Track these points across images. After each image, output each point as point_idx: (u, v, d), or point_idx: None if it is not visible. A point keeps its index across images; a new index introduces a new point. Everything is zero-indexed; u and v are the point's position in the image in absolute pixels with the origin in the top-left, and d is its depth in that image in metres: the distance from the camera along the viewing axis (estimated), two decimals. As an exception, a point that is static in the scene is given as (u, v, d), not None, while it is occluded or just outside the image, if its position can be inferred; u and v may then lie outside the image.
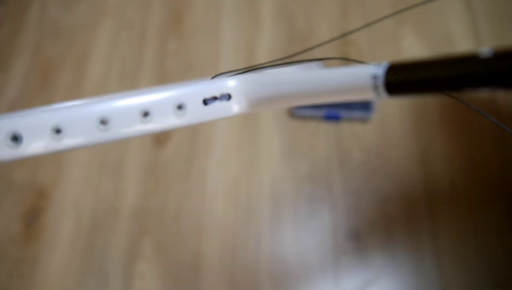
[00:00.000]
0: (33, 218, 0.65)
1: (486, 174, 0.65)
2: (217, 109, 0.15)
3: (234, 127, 0.69)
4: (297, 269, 0.60)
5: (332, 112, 0.68)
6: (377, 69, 0.12)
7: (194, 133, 0.69)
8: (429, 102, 0.70)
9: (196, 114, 0.15)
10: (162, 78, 0.73)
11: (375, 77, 0.12)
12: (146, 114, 0.14)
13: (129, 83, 0.73)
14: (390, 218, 0.62)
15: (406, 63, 0.11)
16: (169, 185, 0.66)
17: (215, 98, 0.15)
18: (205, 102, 0.15)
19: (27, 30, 0.82)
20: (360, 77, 0.12)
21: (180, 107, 0.14)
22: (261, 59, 0.74)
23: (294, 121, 0.69)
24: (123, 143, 0.69)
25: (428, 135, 0.68)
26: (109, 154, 0.68)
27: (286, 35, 0.76)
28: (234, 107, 0.15)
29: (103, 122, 0.14)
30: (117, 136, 0.15)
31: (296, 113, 0.68)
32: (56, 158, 0.68)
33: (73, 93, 0.74)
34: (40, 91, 0.76)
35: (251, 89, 0.15)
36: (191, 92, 0.15)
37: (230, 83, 0.15)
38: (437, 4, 0.75)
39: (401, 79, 0.11)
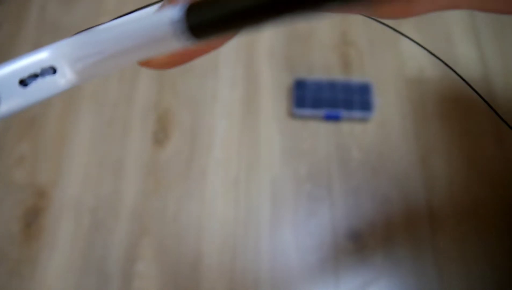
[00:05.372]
0: (33, 218, 0.65)
1: (486, 173, 0.65)
2: (41, 88, 0.12)
3: (234, 127, 0.69)
4: (297, 269, 0.60)
5: (332, 112, 0.68)
6: (175, 13, 0.10)
7: (194, 133, 0.69)
8: (429, 101, 0.70)
9: (15, 99, 0.12)
10: (162, 78, 0.73)
11: (174, 23, 0.10)
12: None
13: (129, 83, 0.73)
14: (390, 218, 0.62)
15: (202, 1, 0.09)
16: (169, 185, 0.66)
17: (35, 76, 0.12)
18: (24, 82, 0.12)
19: (26, 30, 0.82)
20: (159, 26, 0.10)
21: None
22: (261, 59, 0.74)
23: (294, 121, 0.69)
24: (123, 143, 0.69)
25: (428, 135, 0.68)
26: (108, 154, 0.68)
27: (286, 35, 0.76)
28: (61, 81, 0.13)
29: None
30: None
31: (296, 113, 0.68)
32: (56, 158, 0.68)
33: (73, 93, 0.74)
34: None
35: (72, 56, 0.12)
36: (3, 75, 0.12)
37: (47, 54, 0.12)
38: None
39: (205, 18, 0.09)
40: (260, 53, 0.75)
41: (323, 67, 0.73)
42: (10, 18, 0.84)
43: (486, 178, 0.65)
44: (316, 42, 0.76)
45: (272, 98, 0.71)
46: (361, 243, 0.61)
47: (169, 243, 0.62)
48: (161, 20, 0.10)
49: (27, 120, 0.73)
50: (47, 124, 0.71)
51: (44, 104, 0.75)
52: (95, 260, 0.62)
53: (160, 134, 0.69)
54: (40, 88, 0.12)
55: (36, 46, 0.75)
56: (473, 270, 0.59)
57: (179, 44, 0.10)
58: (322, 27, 0.77)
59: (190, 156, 0.67)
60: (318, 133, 0.68)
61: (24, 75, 0.12)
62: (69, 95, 0.74)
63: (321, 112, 0.68)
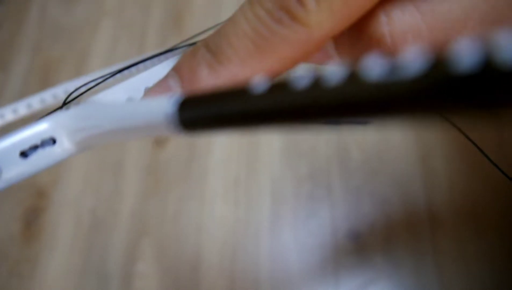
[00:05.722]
0: (33, 218, 0.65)
1: (486, 173, 0.65)
2: (41, 159, 0.13)
3: (234, 127, 0.69)
4: (297, 269, 0.60)
5: (332, 112, 0.68)
6: (169, 107, 0.10)
7: (194, 133, 0.69)
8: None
9: (16, 171, 0.12)
10: (162, 78, 0.73)
11: (167, 116, 0.10)
12: None
13: (129, 83, 0.73)
14: (389, 218, 0.62)
15: (197, 97, 0.10)
16: (169, 185, 0.66)
17: (36, 147, 0.13)
18: (24, 154, 0.13)
19: (27, 30, 0.82)
20: (153, 115, 0.10)
21: None
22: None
23: (294, 121, 0.69)
24: (123, 143, 0.69)
25: (428, 135, 0.68)
26: (108, 155, 0.68)
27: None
28: (61, 151, 0.13)
29: None
30: None
31: (296, 113, 0.68)
32: (56, 158, 0.68)
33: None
34: (40, 91, 0.76)
35: (71, 128, 0.13)
36: (4, 148, 0.12)
37: (47, 125, 0.13)
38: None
39: (196, 115, 0.10)
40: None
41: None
42: (10, 18, 0.84)
43: (487, 178, 0.65)
44: (316, 42, 0.76)
45: (272, 98, 0.71)
46: (361, 243, 0.61)
47: (169, 243, 0.62)
48: (156, 110, 0.10)
49: (27, 120, 0.73)
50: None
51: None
52: (95, 260, 0.62)
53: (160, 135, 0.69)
54: (40, 159, 0.13)
55: (37, 46, 0.76)
56: (473, 270, 0.59)
57: (171, 132, 0.10)
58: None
59: (190, 157, 0.67)
60: (318, 133, 0.68)
61: (25, 147, 0.12)
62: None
63: (321, 112, 0.68)
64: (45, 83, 0.77)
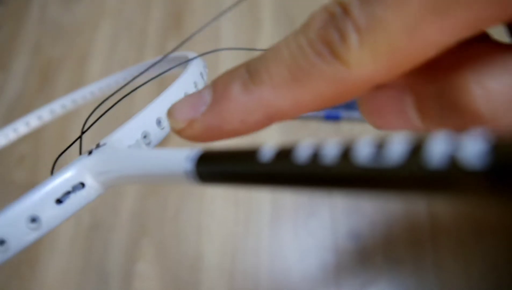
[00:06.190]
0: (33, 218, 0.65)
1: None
2: (75, 203, 0.14)
3: (234, 127, 0.69)
4: (297, 269, 0.60)
5: (332, 112, 0.68)
6: (187, 161, 0.11)
7: (194, 133, 0.69)
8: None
9: (54, 218, 0.14)
10: (162, 78, 0.73)
11: (186, 170, 0.11)
12: (2, 242, 0.13)
13: (129, 83, 0.73)
14: (390, 218, 0.62)
15: (215, 154, 0.11)
16: (169, 185, 0.66)
17: (68, 193, 0.14)
18: (59, 201, 0.14)
19: (27, 30, 0.82)
20: (173, 167, 0.11)
21: (33, 220, 0.13)
22: (261, 59, 0.74)
23: (294, 121, 0.69)
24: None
25: (428, 134, 0.68)
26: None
27: (286, 35, 0.76)
28: (91, 193, 0.14)
29: None
30: None
31: (296, 113, 0.68)
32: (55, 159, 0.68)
33: (73, 93, 0.74)
34: (40, 91, 0.76)
35: (96, 171, 0.14)
36: (38, 200, 0.13)
37: (75, 172, 0.14)
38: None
39: (210, 171, 0.11)
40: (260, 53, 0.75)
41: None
42: (10, 18, 0.84)
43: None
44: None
45: (272, 98, 0.71)
46: (361, 243, 0.61)
47: (169, 243, 0.62)
48: (175, 163, 0.11)
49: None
50: (47, 124, 0.71)
51: (44, 104, 0.75)
52: (95, 260, 0.62)
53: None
54: (74, 203, 0.14)
55: (37, 46, 0.76)
56: (473, 270, 0.59)
57: (188, 183, 0.11)
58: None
59: (190, 156, 0.67)
60: (318, 133, 0.68)
61: (59, 194, 0.14)
62: (70, 92, 0.74)
63: (321, 112, 0.68)
64: (45, 83, 0.77)
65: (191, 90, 0.18)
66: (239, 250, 0.61)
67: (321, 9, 0.11)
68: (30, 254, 0.62)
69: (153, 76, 0.23)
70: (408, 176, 0.07)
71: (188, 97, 0.13)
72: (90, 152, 0.15)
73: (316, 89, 0.11)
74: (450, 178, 0.06)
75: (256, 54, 0.14)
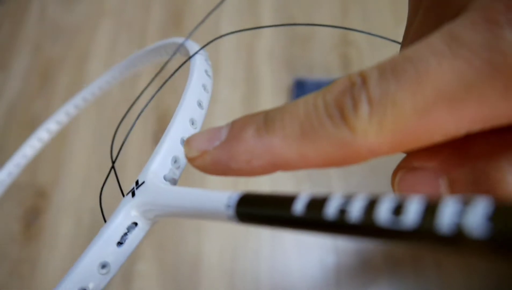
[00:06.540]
0: (33, 218, 0.65)
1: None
2: (133, 241, 0.16)
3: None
4: (297, 269, 0.60)
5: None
6: (229, 201, 0.12)
7: (194, 133, 0.69)
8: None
9: (120, 258, 0.16)
10: (162, 78, 0.73)
11: (228, 207, 0.12)
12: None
13: (129, 83, 0.73)
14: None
15: (255, 196, 0.12)
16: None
17: (126, 234, 0.16)
18: (120, 243, 0.16)
19: (27, 30, 0.82)
20: (216, 207, 0.13)
21: (104, 266, 0.15)
22: (261, 59, 0.74)
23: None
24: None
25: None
26: (108, 155, 0.68)
27: (286, 35, 0.76)
28: (144, 227, 0.16)
29: None
30: None
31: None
32: (56, 159, 0.68)
33: (73, 94, 0.74)
34: (40, 91, 0.76)
35: (142, 210, 0.16)
36: (103, 247, 0.15)
37: (126, 214, 0.16)
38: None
39: (249, 213, 0.12)
40: (260, 53, 0.75)
41: (323, 67, 0.73)
42: (10, 18, 0.84)
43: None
44: (316, 42, 0.76)
45: (272, 98, 0.71)
46: (361, 243, 0.61)
47: (169, 243, 0.62)
48: (218, 203, 0.12)
49: (27, 121, 0.73)
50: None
51: (44, 104, 0.75)
52: (95, 260, 0.62)
53: (160, 134, 0.69)
54: (132, 241, 0.16)
55: (37, 46, 0.76)
56: (473, 270, 0.59)
57: (227, 221, 0.12)
58: (322, 27, 0.77)
59: (190, 156, 0.67)
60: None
61: (118, 238, 0.16)
62: (69, 95, 0.74)
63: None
64: (45, 83, 0.77)
65: (203, 95, 0.19)
66: (239, 250, 0.61)
67: (345, 77, 0.12)
68: (30, 253, 0.62)
69: (156, 73, 0.24)
70: (419, 238, 0.08)
71: (207, 131, 0.14)
72: (133, 193, 0.17)
73: (322, 147, 0.12)
74: (455, 243, 0.08)
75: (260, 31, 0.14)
